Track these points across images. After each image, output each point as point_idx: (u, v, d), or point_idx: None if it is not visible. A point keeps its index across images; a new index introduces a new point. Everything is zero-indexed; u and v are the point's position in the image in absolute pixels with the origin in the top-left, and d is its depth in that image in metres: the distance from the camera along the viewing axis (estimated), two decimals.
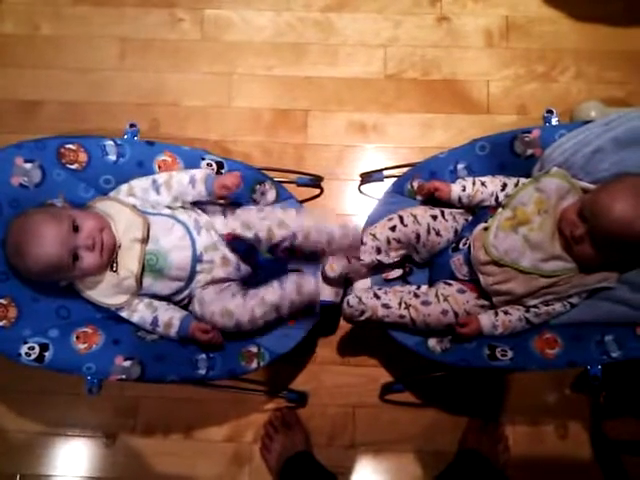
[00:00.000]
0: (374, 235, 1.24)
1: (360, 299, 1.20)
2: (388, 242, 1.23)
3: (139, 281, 1.16)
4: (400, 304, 1.19)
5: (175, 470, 1.53)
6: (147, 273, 1.16)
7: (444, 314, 1.17)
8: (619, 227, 1.02)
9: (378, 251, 1.24)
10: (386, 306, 1.19)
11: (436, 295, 1.19)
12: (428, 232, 1.23)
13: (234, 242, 1.21)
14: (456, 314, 1.17)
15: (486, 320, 1.17)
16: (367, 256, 1.24)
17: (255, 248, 1.22)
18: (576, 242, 1.08)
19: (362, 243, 1.24)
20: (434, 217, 1.24)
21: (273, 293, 1.18)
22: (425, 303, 1.18)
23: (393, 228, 1.23)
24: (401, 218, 1.23)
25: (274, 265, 1.27)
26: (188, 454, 1.54)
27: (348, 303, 1.20)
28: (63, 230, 1.07)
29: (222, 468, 1.53)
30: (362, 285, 1.29)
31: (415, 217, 1.23)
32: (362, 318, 1.20)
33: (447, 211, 1.26)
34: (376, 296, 1.21)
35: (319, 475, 1.39)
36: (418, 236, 1.23)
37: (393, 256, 1.25)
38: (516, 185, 1.21)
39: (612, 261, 1.11)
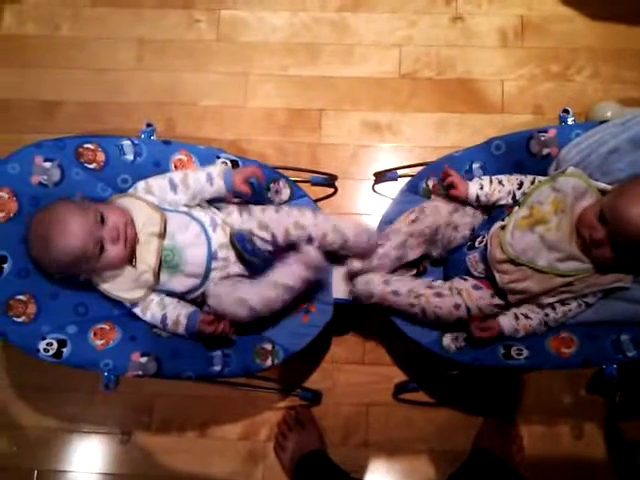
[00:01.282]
0: (398, 230, 1.23)
1: (369, 281, 1.21)
2: (411, 235, 1.23)
3: (157, 276, 1.17)
4: (410, 292, 1.19)
5: (190, 467, 1.54)
6: (164, 269, 1.17)
7: (456, 308, 1.17)
8: None
9: (402, 246, 1.23)
10: (395, 293, 1.19)
11: (450, 288, 1.19)
12: (447, 224, 1.23)
13: (241, 242, 1.21)
14: (468, 309, 1.17)
15: (507, 324, 1.16)
16: (392, 251, 1.23)
17: (260, 249, 1.23)
18: (595, 245, 1.07)
19: (387, 239, 1.24)
20: (455, 210, 1.24)
21: (281, 274, 1.18)
22: (438, 295, 1.18)
23: (415, 220, 1.23)
24: (422, 210, 1.23)
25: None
26: (203, 452, 1.55)
27: (357, 283, 1.21)
28: (90, 221, 1.09)
29: (236, 466, 1.54)
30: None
31: (436, 208, 1.23)
32: (370, 301, 1.21)
33: (467, 207, 1.26)
34: (386, 282, 1.21)
35: (332, 474, 1.39)
36: (438, 228, 1.22)
37: (416, 252, 1.25)
38: (532, 183, 1.21)
39: (630, 263, 1.10)
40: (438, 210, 1.23)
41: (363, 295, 1.21)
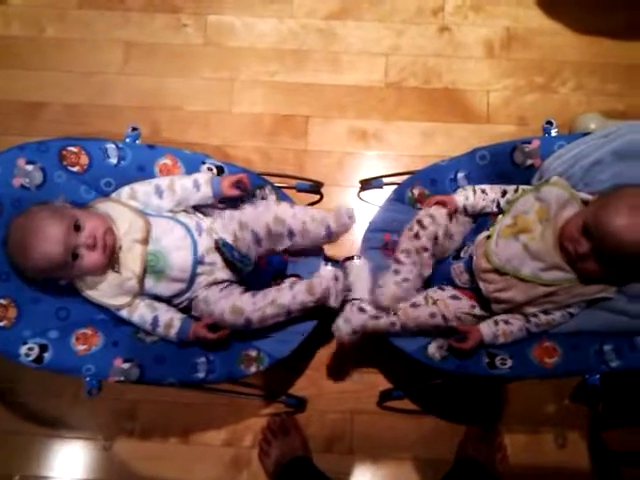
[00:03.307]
0: (407, 251, 1.21)
1: (348, 320, 1.19)
2: (418, 253, 1.20)
3: (141, 282, 1.16)
4: (388, 312, 1.19)
5: (172, 474, 1.53)
6: (148, 274, 1.17)
7: (432, 316, 1.17)
8: (627, 246, 1.01)
9: (415, 265, 1.21)
10: (375, 317, 1.19)
11: (425, 298, 1.20)
12: (445, 234, 1.22)
13: (220, 250, 1.21)
14: (445, 318, 1.17)
15: (487, 330, 1.17)
16: (410, 274, 1.20)
17: (246, 255, 1.23)
18: (581, 259, 1.07)
19: (399, 262, 1.21)
20: (450, 217, 1.24)
21: (283, 294, 1.18)
22: (414, 305, 1.19)
23: (417, 235, 1.20)
24: (420, 222, 1.21)
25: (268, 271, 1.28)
26: (186, 458, 1.54)
27: (336, 328, 1.20)
28: (64, 228, 1.07)
29: (220, 473, 1.53)
30: (359, 268, 1.29)
31: (433, 217, 1.21)
32: (355, 336, 1.19)
33: (458, 215, 1.27)
34: (361, 310, 1.20)
35: None
36: (436, 238, 1.21)
37: (430, 266, 1.23)
38: (516, 191, 1.22)
39: (614, 275, 1.10)
40: (435, 219, 1.21)
41: (344, 336, 1.19)
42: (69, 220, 1.09)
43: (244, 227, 1.21)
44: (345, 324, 1.19)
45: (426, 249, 1.20)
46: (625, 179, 1.13)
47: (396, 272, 1.21)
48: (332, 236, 1.23)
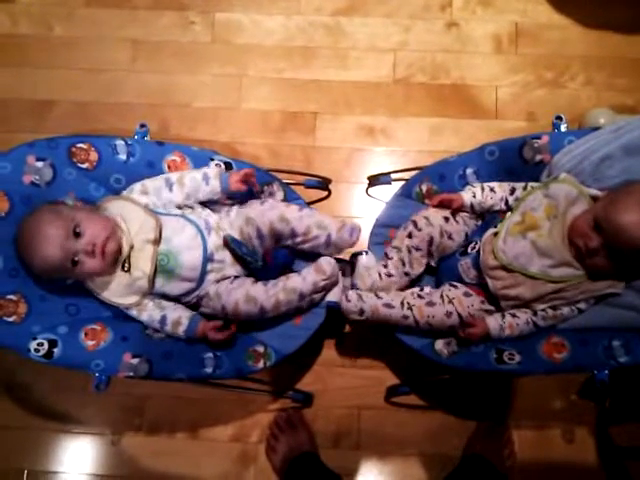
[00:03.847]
0: (398, 248, 1.24)
1: (360, 296, 1.20)
2: (409, 251, 1.23)
3: (152, 282, 1.16)
4: (403, 304, 1.19)
5: (180, 469, 1.54)
6: (159, 274, 1.17)
7: (448, 316, 1.17)
8: (637, 242, 1.01)
9: (403, 263, 1.24)
10: (388, 305, 1.19)
11: (441, 296, 1.19)
12: (441, 235, 1.23)
13: (229, 247, 1.22)
14: (460, 316, 1.17)
15: (493, 322, 1.16)
16: (395, 270, 1.24)
17: (254, 250, 1.23)
18: (590, 254, 1.07)
19: (387, 257, 1.25)
20: (446, 219, 1.24)
21: (293, 279, 1.19)
22: (430, 304, 1.18)
23: (410, 235, 1.23)
24: (415, 223, 1.24)
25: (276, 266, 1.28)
26: (193, 453, 1.55)
27: (347, 297, 1.20)
28: (63, 234, 1.08)
29: (227, 468, 1.54)
30: (366, 264, 1.28)
31: (427, 219, 1.23)
32: (361, 317, 1.19)
33: (458, 216, 1.26)
34: (377, 296, 1.20)
35: (324, 476, 1.39)
36: (432, 239, 1.22)
37: (421, 265, 1.25)
38: (525, 189, 1.21)
39: (623, 270, 1.10)
40: (430, 221, 1.23)
41: (352, 310, 1.20)
42: (69, 226, 1.09)
43: (249, 222, 1.21)
44: (358, 301, 1.19)
45: (418, 249, 1.23)
46: (635, 174, 1.12)
47: (384, 265, 1.25)
48: (330, 246, 1.22)
